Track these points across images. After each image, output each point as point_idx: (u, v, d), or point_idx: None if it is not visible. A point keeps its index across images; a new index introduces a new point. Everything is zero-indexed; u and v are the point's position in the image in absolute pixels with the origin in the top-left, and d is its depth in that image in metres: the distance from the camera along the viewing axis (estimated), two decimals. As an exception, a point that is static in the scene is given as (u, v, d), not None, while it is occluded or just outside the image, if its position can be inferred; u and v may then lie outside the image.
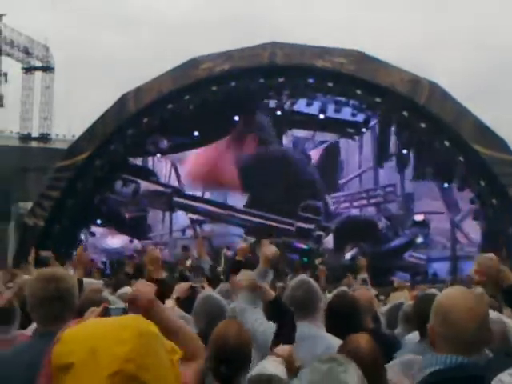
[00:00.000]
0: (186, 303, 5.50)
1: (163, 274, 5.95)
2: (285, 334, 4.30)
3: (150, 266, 5.75)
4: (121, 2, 66.71)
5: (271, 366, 3.59)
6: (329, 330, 4.83)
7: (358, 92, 23.24)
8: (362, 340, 3.60)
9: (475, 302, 2.81)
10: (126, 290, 7.16)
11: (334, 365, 2.60)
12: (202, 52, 24.53)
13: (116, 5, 65.44)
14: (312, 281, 5.07)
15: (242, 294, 4.92)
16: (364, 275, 9.59)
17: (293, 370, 3.80)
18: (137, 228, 28.32)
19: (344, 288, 7.72)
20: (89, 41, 62.12)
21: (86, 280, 7.91)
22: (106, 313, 2.55)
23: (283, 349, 3.91)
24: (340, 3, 58.97)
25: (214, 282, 8.43)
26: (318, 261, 21.98)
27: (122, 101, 24.56)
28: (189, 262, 14.15)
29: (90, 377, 1.77)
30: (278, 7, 58.98)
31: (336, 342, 4.53)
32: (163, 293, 5.87)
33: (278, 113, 26.04)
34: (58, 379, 1.82)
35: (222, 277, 10.10)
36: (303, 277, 5.16)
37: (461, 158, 22.52)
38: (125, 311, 2.54)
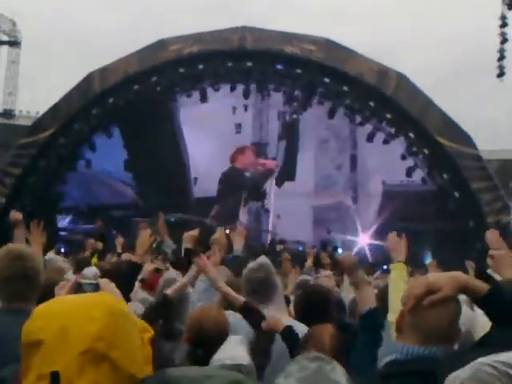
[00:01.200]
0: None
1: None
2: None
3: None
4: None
5: (240, 353, 3.57)
6: (300, 318, 4.81)
7: (326, 80, 23.29)
8: (326, 334, 3.61)
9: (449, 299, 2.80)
10: (92, 270, 7.07)
11: (322, 364, 2.57)
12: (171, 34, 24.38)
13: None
14: (269, 263, 5.05)
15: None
16: (327, 272, 9.59)
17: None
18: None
19: (306, 277, 7.70)
20: (59, 17, 61.24)
21: (50, 256, 7.81)
22: (78, 288, 2.51)
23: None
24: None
25: (177, 265, 8.35)
26: (279, 247, 22.04)
27: (88, 80, 24.30)
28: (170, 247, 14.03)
29: (60, 354, 1.75)
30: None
31: (300, 327, 4.52)
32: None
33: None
34: (27, 356, 1.79)
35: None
36: (263, 258, 5.11)
37: (425, 151, 22.69)
38: (97, 287, 2.50)
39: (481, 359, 1.73)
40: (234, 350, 3.49)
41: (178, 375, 1.74)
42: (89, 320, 1.78)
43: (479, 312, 4.72)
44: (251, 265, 4.97)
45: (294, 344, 4.14)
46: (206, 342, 3.80)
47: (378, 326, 3.84)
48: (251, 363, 3.51)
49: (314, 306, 4.85)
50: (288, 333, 4.26)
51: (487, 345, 2.81)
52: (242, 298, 4.48)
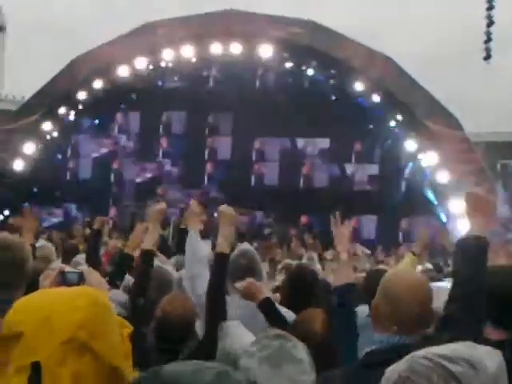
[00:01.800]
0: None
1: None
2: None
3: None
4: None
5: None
6: (287, 301, 4.82)
7: (313, 63, 23.31)
8: (317, 320, 3.62)
9: (418, 282, 2.88)
10: (80, 258, 7.07)
11: (283, 341, 2.60)
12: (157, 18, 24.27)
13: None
14: (253, 250, 5.07)
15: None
16: (310, 254, 9.63)
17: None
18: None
19: (289, 260, 7.72)
20: (45, 3, 60.85)
21: (40, 244, 7.78)
22: (62, 277, 2.51)
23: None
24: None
25: (164, 253, 8.31)
26: (266, 231, 22.09)
27: (73, 64, 24.15)
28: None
29: (42, 344, 1.74)
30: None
31: (286, 312, 4.54)
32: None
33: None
34: (6, 348, 1.78)
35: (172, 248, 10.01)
36: (246, 245, 5.14)
37: (412, 134, 22.74)
38: (81, 276, 2.51)
39: (416, 352, 1.78)
40: (246, 339, 3.47)
41: (173, 372, 1.72)
42: (73, 309, 1.79)
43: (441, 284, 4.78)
44: (235, 251, 4.98)
45: (273, 317, 4.09)
46: (172, 335, 3.80)
47: (352, 301, 3.86)
48: None
49: (299, 289, 4.86)
50: (267, 305, 4.19)
51: (446, 329, 2.86)
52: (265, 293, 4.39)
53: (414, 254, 5.54)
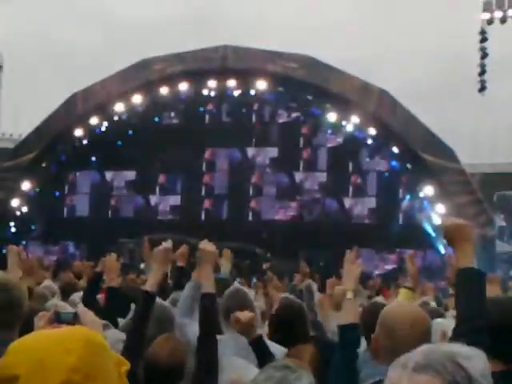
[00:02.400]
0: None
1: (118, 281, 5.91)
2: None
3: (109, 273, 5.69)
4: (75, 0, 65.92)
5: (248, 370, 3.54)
6: (274, 337, 4.78)
7: (309, 98, 23.45)
8: (306, 356, 3.60)
9: (417, 315, 2.89)
10: (77, 296, 7.03)
11: (287, 372, 2.58)
12: (153, 53, 24.45)
13: (71, 3, 64.37)
14: (245, 289, 5.03)
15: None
16: (307, 281, 9.56)
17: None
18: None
19: (287, 295, 7.66)
20: (41, 37, 61.19)
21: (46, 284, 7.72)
22: (56, 318, 2.51)
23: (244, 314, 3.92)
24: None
25: (163, 291, 8.23)
26: (265, 265, 21.98)
27: (70, 101, 24.30)
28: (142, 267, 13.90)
29: None
30: (232, 10, 58.87)
31: (277, 348, 4.52)
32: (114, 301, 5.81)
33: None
34: None
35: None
36: (236, 285, 5.11)
37: (408, 166, 22.81)
38: (75, 316, 2.51)
39: None
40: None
41: None
42: (65, 352, 1.77)
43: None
44: (227, 291, 4.95)
45: (263, 356, 4.04)
46: (160, 377, 3.77)
47: (357, 341, 3.83)
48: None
49: (285, 323, 4.83)
50: (259, 343, 4.14)
51: None
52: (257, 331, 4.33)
53: (408, 288, 5.47)
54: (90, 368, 1.78)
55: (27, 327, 2.60)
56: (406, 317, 2.88)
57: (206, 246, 4.44)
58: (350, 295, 3.79)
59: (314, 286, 9.08)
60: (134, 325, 4.29)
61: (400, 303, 4.72)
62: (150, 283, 4.48)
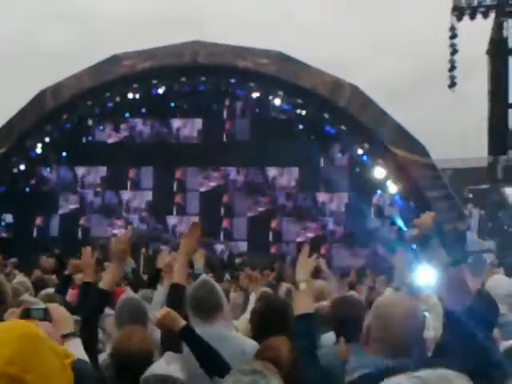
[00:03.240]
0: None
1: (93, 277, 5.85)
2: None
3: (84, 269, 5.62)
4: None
5: (166, 365, 3.54)
6: (255, 332, 4.76)
7: (280, 93, 23.46)
8: (283, 347, 3.58)
9: (412, 307, 2.92)
10: (48, 291, 6.96)
11: (257, 378, 2.53)
12: (124, 49, 24.34)
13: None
14: (213, 281, 5.02)
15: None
16: (288, 285, 9.59)
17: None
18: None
19: (267, 289, 7.65)
20: (13, 32, 60.59)
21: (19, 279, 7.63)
22: (26, 313, 2.51)
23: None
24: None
25: (136, 285, 8.16)
26: (238, 260, 21.99)
27: (41, 96, 24.13)
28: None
29: None
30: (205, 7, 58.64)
31: (248, 343, 4.50)
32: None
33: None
34: None
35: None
36: (205, 277, 5.09)
37: (380, 161, 22.91)
38: (46, 312, 2.50)
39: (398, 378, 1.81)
40: (168, 365, 3.46)
41: None
42: (1, 344, 1.78)
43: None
44: (195, 283, 4.92)
45: (195, 345, 3.98)
46: (130, 366, 3.74)
47: (312, 330, 3.85)
48: (181, 379, 3.50)
49: (270, 319, 4.80)
50: (188, 332, 4.05)
51: (442, 353, 2.89)
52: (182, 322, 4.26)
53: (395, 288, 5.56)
54: (26, 361, 1.77)
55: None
56: (402, 309, 2.90)
57: (187, 241, 4.47)
58: (302, 286, 3.84)
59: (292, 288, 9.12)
60: (86, 320, 4.22)
61: (395, 295, 4.77)
62: (107, 280, 4.44)
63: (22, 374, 1.74)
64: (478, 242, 22.28)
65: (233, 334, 4.81)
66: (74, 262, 7.79)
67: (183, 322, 3.95)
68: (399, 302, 3.03)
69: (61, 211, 26.23)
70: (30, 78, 45.75)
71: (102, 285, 4.45)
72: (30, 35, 59.69)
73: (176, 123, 26.00)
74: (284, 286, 9.37)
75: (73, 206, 26.20)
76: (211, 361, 3.89)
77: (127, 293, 5.79)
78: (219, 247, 24.85)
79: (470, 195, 27.30)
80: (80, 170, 26.30)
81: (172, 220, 25.83)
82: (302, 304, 3.82)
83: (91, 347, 3.86)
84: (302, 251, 4.13)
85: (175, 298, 4.26)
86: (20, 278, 8.08)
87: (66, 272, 7.76)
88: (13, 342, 1.78)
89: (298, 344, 3.70)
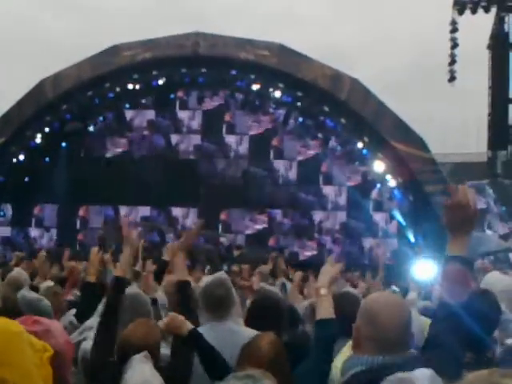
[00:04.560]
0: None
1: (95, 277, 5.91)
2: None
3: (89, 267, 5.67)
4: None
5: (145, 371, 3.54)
6: (249, 326, 4.79)
7: (280, 85, 23.42)
8: (264, 341, 3.60)
9: (398, 303, 2.99)
10: (48, 284, 6.96)
11: (249, 382, 2.52)
12: (125, 39, 24.28)
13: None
14: (228, 278, 5.03)
15: None
16: (282, 279, 9.60)
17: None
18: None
19: (264, 284, 7.65)
20: (13, 22, 60.37)
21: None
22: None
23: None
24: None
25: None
26: (236, 253, 21.99)
27: (40, 87, 24.08)
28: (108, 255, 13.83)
29: None
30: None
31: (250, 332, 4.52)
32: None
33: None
34: None
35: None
36: (222, 274, 5.09)
37: (379, 155, 22.89)
38: None
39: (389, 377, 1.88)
40: (144, 372, 3.46)
41: None
42: None
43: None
44: (210, 280, 4.92)
45: (203, 349, 4.01)
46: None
47: (332, 335, 3.87)
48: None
49: (263, 314, 4.84)
50: (195, 337, 4.09)
51: (429, 349, 2.91)
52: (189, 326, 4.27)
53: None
54: (2, 356, 1.78)
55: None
56: (386, 304, 2.93)
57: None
58: (323, 291, 3.87)
59: (288, 285, 9.14)
60: (105, 310, 4.26)
61: (381, 292, 4.80)
62: (121, 267, 4.46)
63: None
64: (498, 242, 22.00)
65: (243, 328, 4.85)
66: (17, 254, 8.01)
67: (190, 327, 4.00)
68: (384, 298, 3.05)
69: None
70: (28, 67, 45.72)
71: (116, 272, 4.48)
72: (28, 24, 59.45)
73: (179, 115, 25.91)
74: (279, 281, 9.41)
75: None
76: (215, 365, 3.94)
77: (132, 287, 5.79)
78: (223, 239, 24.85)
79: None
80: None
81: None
82: (324, 309, 3.86)
83: (110, 335, 3.93)
84: (329, 260, 4.21)
85: (185, 295, 4.34)
86: (17, 270, 8.08)
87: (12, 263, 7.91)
88: None
89: (316, 348, 3.76)
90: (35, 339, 1.97)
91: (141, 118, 25.82)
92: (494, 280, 5.55)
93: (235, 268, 12.82)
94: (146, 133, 25.72)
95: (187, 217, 25.15)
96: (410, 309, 3.10)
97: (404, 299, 3.21)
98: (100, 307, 5.23)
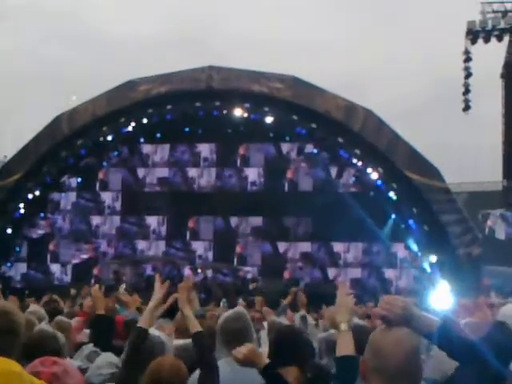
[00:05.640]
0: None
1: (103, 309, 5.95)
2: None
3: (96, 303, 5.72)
4: (69, 18, 65.79)
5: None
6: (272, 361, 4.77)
7: (295, 117, 23.43)
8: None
9: (405, 335, 2.92)
10: (61, 318, 6.98)
11: None
12: (139, 74, 24.51)
13: (64, 21, 64.24)
14: (246, 313, 5.02)
15: None
16: (303, 312, 9.53)
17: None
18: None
19: (275, 318, 7.62)
20: (28, 56, 60.95)
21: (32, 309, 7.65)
22: None
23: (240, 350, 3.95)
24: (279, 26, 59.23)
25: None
26: (252, 286, 21.93)
27: (56, 122, 24.29)
28: (123, 288, 13.89)
29: None
30: (219, 30, 59.03)
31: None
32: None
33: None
34: None
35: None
36: (240, 309, 5.09)
37: (394, 185, 22.83)
38: None
39: None
40: None
41: None
42: None
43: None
44: (228, 314, 4.93)
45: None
46: None
47: (353, 372, 3.86)
48: None
49: (285, 350, 4.81)
50: (270, 371, 4.11)
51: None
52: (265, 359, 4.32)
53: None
54: None
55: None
56: (390, 336, 2.91)
57: (184, 285, 4.59)
58: (343, 327, 3.83)
59: (309, 318, 9.09)
60: (126, 356, 4.31)
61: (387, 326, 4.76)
62: (145, 319, 4.53)
63: None
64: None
65: None
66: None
67: (267, 360, 4.04)
68: (389, 331, 3.06)
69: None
70: (43, 102, 46.12)
71: (140, 323, 4.53)
72: (41, 58, 60.11)
73: (192, 148, 26.02)
74: (299, 313, 9.36)
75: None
76: None
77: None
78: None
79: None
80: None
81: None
82: (345, 345, 3.84)
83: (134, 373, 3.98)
84: (341, 290, 4.12)
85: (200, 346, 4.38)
86: (33, 306, 8.07)
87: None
88: None
89: None
90: (36, 379, 2.01)
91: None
92: (510, 312, 5.54)
93: (252, 299, 12.81)
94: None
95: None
96: (418, 341, 3.10)
97: (412, 333, 3.19)
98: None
